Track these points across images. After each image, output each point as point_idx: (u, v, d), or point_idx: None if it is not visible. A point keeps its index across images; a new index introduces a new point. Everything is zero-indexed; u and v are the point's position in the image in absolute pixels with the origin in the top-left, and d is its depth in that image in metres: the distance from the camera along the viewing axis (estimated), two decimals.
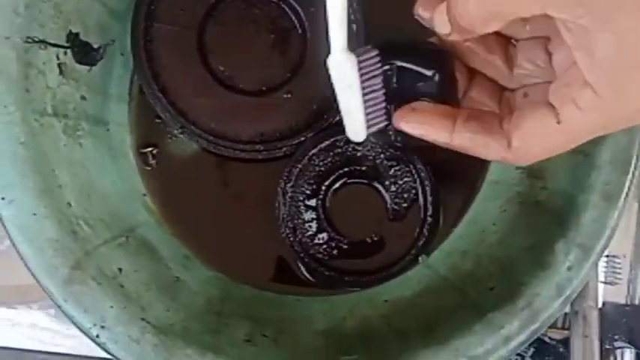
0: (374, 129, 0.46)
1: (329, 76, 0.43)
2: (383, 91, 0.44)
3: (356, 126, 0.46)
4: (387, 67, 0.44)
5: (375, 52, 0.43)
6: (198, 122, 0.56)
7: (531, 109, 0.39)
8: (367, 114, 0.45)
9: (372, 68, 0.43)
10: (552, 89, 0.39)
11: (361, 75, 0.43)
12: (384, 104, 0.45)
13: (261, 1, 0.57)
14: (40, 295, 0.57)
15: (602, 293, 0.61)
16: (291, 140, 0.57)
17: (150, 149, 0.58)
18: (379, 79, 0.44)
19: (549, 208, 0.51)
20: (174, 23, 0.56)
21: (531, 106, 0.40)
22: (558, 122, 0.37)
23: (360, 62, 0.42)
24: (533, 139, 0.39)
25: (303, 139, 0.57)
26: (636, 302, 0.61)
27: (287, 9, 0.57)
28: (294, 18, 0.58)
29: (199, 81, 0.57)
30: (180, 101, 0.56)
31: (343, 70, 0.42)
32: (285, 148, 0.57)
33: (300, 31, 0.58)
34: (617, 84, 0.34)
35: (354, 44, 0.42)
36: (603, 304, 0.60)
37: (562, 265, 0.48)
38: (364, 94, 0.44)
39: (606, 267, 0.62)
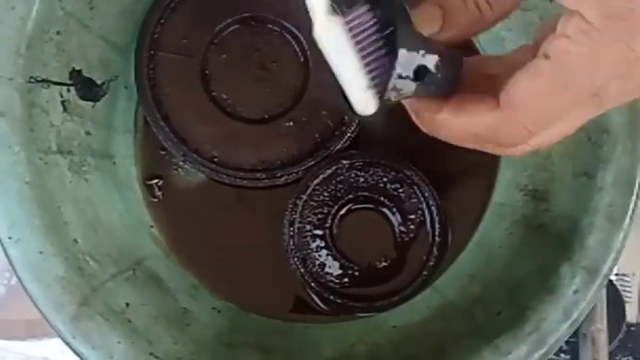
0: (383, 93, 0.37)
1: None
2: (381, 45, 0.37)
3: (362, 96, 0.38)
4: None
5: (364, 7, 0.36)
6: (201, 150, 0.57)
7: (519, 64, 0.35)
8: (372, 78, 0.37)
9: (365, 25, 0.36)
10: (539, 35, 0.36)
11: (353, 36, 0.36)
12: (386, 59, 0.37)
13: (264, 29, 0.58)
14: (51, 329, 0.58)
15: None
16: (292, 168, 0.57)
17: (156, 181, 0.58)
18: (374, 35, 0.37)
19: (554, 231, 0.51)
20: (177, 52, 0.57)
21: (519, 59, 0.36)
22: (546, 57, 0.33)
23: (348, 22, 0.36)
24: (523, 89, 0.34)
25: (304, 167, 0.57)
26: None
27: (289, 37, 0.58)
28: (296, 46, 0.58)
29: (202, 109, 0.57)
30: (182, 129, 0.57)
31: (332, 37, 0.36)
32: (286, 177, 0.57)
33: (302, 59, 0.58)
34: (604, 5, 0.31)
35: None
36: None
37: (568, 288, 0.48)
38: (362, 57, 0.36)
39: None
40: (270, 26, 0.57)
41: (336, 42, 0.36)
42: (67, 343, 0.46)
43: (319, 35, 0.36)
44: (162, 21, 0.57)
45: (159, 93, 0.57)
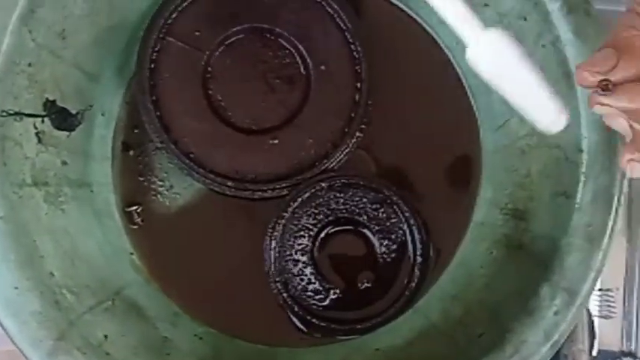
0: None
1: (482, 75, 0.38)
2: None
3: (549, 109, 0.38)
4: None
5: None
6: (180, 143, 0.57)
7: None
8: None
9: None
10: None
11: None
12: None
13: (277, 45, 0.58)
14: None
15: (598, 327, 0.61)
16: (263, 186, 0.57)
17: (135, 207, 0.58)
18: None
19: (533, 251, 0.51)
20: (186, 42, 0.57)
21: None
22: None
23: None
24: None
25: (274, 188, 0.57)
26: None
27: (299, 59, 0.58)
28: (303, 70, 0.58)
29: (193, 103, 0.57)
30: (168, 117, 0.57)
31: (502, 47, 0.37)
32: (254, 192, 0.57)
33: (305, 83, 0.58)
34: None
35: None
36: (599, 352, 0.59)
37: (548, 309, 0.48)
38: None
39: (600, 301, 0.62)
40: (283, 43, 0.57)
41: (508, 53, 0.37)
42: None
43: (482, 53, 0.37)
44: (180, 9, 0.57)
45: (156, 76, 0.57)
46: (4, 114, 0.48)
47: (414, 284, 0.57)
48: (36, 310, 0.46)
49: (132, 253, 0.58)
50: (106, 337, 0.49)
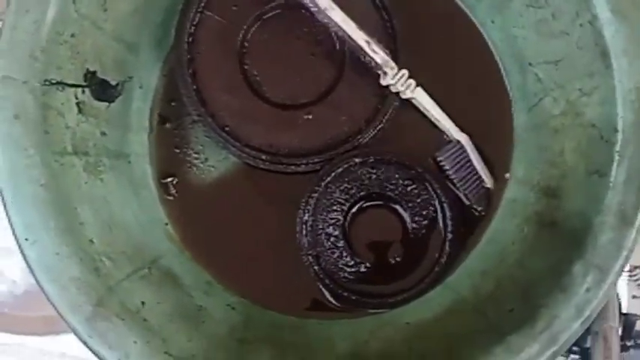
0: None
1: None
2: None
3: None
4: None
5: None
6: (216, 116, 0.58)
7: None
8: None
9: None
10: None
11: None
12: None
13: (314, 21, 0.57)
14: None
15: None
16: (297, 160, 0.58)
17: (170, 179, 0.59)
18: None
19: (566, 228, 0.51)
20: (224, 16, 0.58)
21: None
22: None
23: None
24: None
25: (308, 163, 0.58)
26: None
27: (335, 37, 0.58)
28: (337, 46, 0.58)
29: (229, 77, 0.58)
30: (205, 91, 0.58)
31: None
32: (288, 166, 0.58)
33: (339, 60, 0.58)
34: None
35: None
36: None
37: (580, 286, 0.48)
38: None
39: (629, 279, 0.62)
40: (319, 20, 0.57)
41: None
42: (84, 342, 0.47)
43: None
44: None
45: (194, 50, 0.58)
46: (47, 83, 0.49)
47: (444, 259, 0.57)
48: (75, 275, 0.47)
49: (166, 224, 0.59)
50: (143, 303, 0.50)
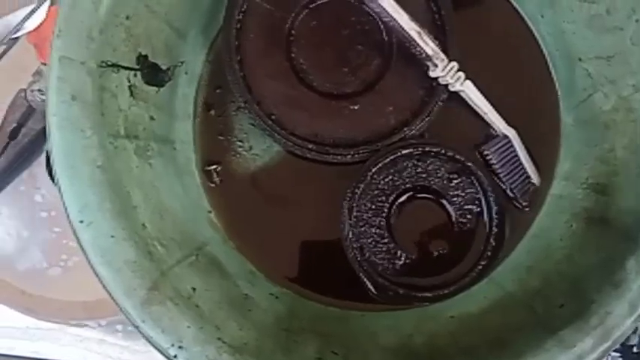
0: None
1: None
2: None
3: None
4: None
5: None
6: (263, 104, 0.57)
7: None
8: None
9: None
10: None
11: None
12: None
13: (362, 12, 0.58)
14: (107, 311, 0.59)
15: None
16: (342, 150, 0.57)
17: (214, 167, 0.59)
18: None
19: (618, 225, 0.51)
20: (273, 4, 0.58)
21: None
22: None
23: None
24: None
25: (354, 153, 0.57)
26: None
27: (383, 28, 0.58)
28: (386, 37, 0.58)
29: (277, 65, 0.58)
30: (252, 78, 0.57)
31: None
32: (334, 156, 0.57)
33: (387, 50, 0.58)
34: None
35: None
36: None
37: (634, 282, 0.48)
38: None
39: None
40: (367, 9, 0.57)
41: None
42: (137, 327, 0.46)
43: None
44: None
45: (242, 36, 0.57)
46: (104, 65, 0.48)
47: (489, 254, 0.57)
48: (130, 259, 0.47)
49: (210, 212, 0.58)
50: (194, 289, 0.49)
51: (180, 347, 0.46)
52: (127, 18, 0.50)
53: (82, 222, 0.46)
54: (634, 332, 0.53)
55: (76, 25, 0.47)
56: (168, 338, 0.46)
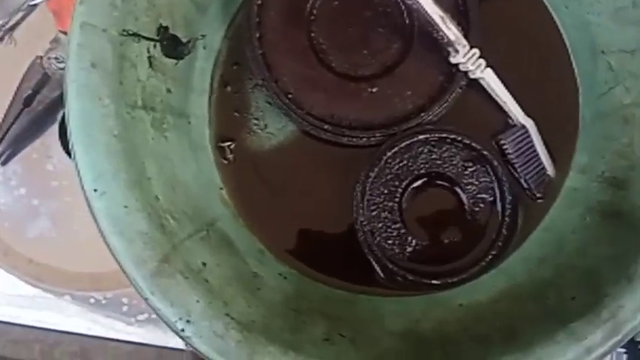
0: None
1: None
2: None
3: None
4: None
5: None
6: (280, 82, 0.57)
7: None
8: None
9: None
10: None
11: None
12: None
13: None
14: (114, 283, 0.58)
15: None
16: (359, 132, 0.57)
17: (228, 143, 0.58)
18: None
19: (633, 219, 0.51)
20: None
21: None
22: None
23: None
24: None
25: (370, 136, 0.57)
26: None
27: (404, 9, 0.58)
28: (407, 21, 0.58)
29: (296, 44, 0.57)
30: (270, 55, 0.57)
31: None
32: (351, 138, 0.57)
33: (408, 34, 0.58)
34: None
35: None
36: None
37: None
38: None
39: None
40: None
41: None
42: (146, 299, 0.46)
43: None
44: None
45: (263, 13, 0.57)
46: (125, 33, 0.48)
47: (500, 243, 0.56)
48: (143, 230, 0.47)
49: (221, 188, 0.58)
50: (204, 264, 0.49)
51: (188, 321, 0.46)
52: None
53: (96, 191, 0.46)
54: None
55: None
56: (177, 311, 0.46)
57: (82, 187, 0.46)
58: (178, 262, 0.47)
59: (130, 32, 0.48)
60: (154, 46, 0.51)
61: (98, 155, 0.46)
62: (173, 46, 0.53)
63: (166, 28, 0.52)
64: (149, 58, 0.51)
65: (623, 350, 0.59)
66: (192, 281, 0.47)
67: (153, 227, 0.47)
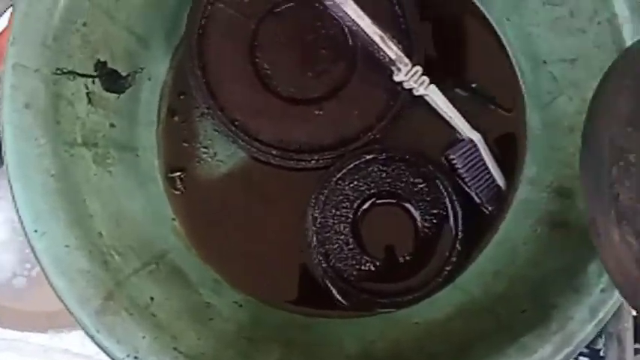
0: None
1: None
2: None
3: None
4: None
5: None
6: (226, 109, 0.57)
7: None
8: None
9: None
10: None
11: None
12: None
13: (327, 16, 0.57)
14: (72, 320, 0.58)
15: None
16: (307, 156, 0.57)
17: (178, 173, 0.58)
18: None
19: (580, 229, 0.51)
20: (236, 9, 0.57)
21: None
22: None
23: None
24: None
25: (319, 158, 0.57)
26: None
27: (347, 32, 0.58)
28: (351, 42, 0.58)
29: (240, 71, 0.57)
30: (215, 84, 0.57)
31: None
32: (298, 162, 0.57)
33: (351, 55, 0.58)
34: None
35: None
36: None
37: (595, 287, 0.48)
38: None
39: None
40: (332, 14, 0.57)
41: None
42: (92, 337, 0.46)
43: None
44: None
45: (204, 42, 0.57)
46: (59, 72, 0.48)
47: (454, 259, 0.56)
48: (85, 268, 0.47)
49: (174, 219, 0.58)
50: (152, 299, 0.49)
51: (135, 357, 0.46)
52: (84, 24, 0.49)
53: (36, 231, 0.46)
54: (599, 336, 0.53)
55: (29, 32, 0.47)
56: (124, 348, 0.46)
57: (23, 228, 0.46)
58: (123, 299, 0.47)
59: (65, 70, 0.48)
60: (93, 82, 0.51)
61: (35, 196, 0.46)
62: (113, 80, 0.53)
63: (105, 62, 0.52)
64: (87, 94, 0.51)
65: (586, 359, 0.58)
66: (137, 317, 0.47)
67: (95, 265, 0.47)
